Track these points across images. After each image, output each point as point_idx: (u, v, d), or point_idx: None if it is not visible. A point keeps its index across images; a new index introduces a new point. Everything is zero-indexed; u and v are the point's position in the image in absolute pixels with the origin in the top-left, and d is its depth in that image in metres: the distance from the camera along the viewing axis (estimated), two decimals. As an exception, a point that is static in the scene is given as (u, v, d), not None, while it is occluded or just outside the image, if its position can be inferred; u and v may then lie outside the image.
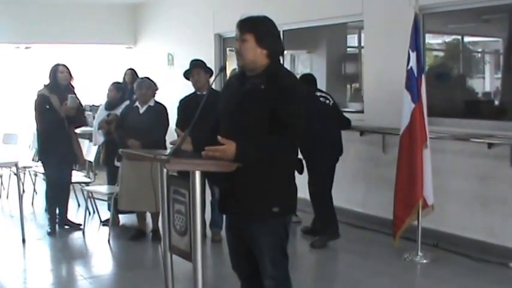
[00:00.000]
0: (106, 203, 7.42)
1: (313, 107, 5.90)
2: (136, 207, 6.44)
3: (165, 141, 6.24)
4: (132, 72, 9.26)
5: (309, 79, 6.53)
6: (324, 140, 6.09)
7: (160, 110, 6.46)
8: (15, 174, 6.79)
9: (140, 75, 8.16)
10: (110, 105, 7.34)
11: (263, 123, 3.08)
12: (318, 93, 6.26)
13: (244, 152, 2.99)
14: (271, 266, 3.25)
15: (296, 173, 3.34)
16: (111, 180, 7.07)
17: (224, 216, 3.76)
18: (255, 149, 3.04)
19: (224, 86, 3.57)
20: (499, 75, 6.76)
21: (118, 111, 7.02)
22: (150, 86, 6.48)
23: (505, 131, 5.64)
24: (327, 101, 6.24)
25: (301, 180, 6.49)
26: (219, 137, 2.99)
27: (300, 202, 6.82)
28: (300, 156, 3.42)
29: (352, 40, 8.65)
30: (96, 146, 7.64)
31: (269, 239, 3.22)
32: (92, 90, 12.88)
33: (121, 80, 8.84)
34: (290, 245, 3.42)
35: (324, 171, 6.24)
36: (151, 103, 6.47)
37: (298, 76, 6.66)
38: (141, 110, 6.44)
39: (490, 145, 5.61)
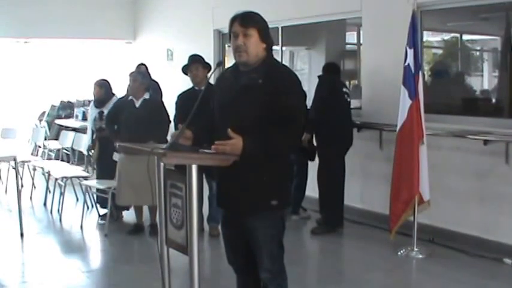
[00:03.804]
0: (99, 198, 7.26)
1: (339, 105, 6.49)
2: (138, 202, 6.46)
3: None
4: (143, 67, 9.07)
5: (334, 69, 6.84)
6: (341, 134, 6.46)
7: (158, 106, 6.48)
8: (13, 168, 6.81)
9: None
10: (99, 103, 7.31)
11: (263, 117, 3.09)
12: (344, 89, 6.63)
13: (252, 147, 3.01)
14: (268, 259, 3.28)
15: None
16: (103, 176, 7.04)
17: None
18: (261, 144, 3.05)
19: (217, 81, 3.51)
20: (497, 73, 6.78)
21: (108, 107, 7.04)
22: (141, 81, 6.49)
23: (501, 128, 5.66)
24: (348, 99, 6.62)
25: (314, 180, 6.63)
26: (229, 130, 3.00)
27: (312, 200, 6.97)
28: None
29: (351, 37, 8.66)
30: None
31: (267, 232, 3.25)
32: (91, 85, 12.85)
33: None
34: (288, 239, 3.45)
35: (336, 161, 6.53)
36: (146, 96, 6.49)
37: (320, 67, 7.03)
38: (137, 104, 6.44)
39: (486, 142, 5.64)
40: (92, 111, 7.43)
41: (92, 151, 7.36)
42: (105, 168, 7.00)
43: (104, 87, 7.36)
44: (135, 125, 6.21)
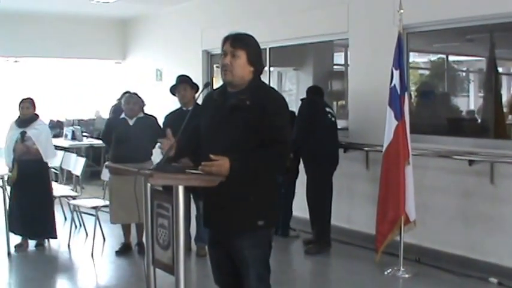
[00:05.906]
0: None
1: (323, 123, 6.53)
2: (128, 220, 6.43)
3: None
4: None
5: (318, 91, 6.89)
6: (326, 152, 6.50)
7: (152, 122, 6.51)
8: (1, 187, 6.79)
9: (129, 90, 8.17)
10: (24, 122, 6.70)
11: (251, 138, 3.13)
12: (327, 109, 6.65)
13: (238, 166, 3.02)
14: (255, 280, 3.29)
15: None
16: (21, 200, 6.65)
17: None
18: (248, 163, 3.08)
19: (204, 101, 3.54)
20: (483, 94, 6.86)
21: (32, 128, 6.68)
22: (137, 101, 6.53)
23: (486, 149, 5.72)
24: (333, 118, 6.65)
25: (301, 200, 6.65)
26: (211, 155, 3.01)
27: (299, 220, 6.94)
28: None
29: (338, 58, 8.75)
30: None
31: (254, 253, 3.27)
32: (80, 105, 12.92)
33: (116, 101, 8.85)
34: (276, 259, 3.46)
35: (323, 180, 6.57)
36: (140, 115, 6.52)
37: (306, 88, 7.06)
38: (131, 122, 6.46)
39: (470, 162, 5.70)
40: (13, 132, 6.74)
41: (10, 174, 6.72)
42: (23, 192, 6.63)
43: (33, 107, 6.81)
44: (128, 143, 6.20)
